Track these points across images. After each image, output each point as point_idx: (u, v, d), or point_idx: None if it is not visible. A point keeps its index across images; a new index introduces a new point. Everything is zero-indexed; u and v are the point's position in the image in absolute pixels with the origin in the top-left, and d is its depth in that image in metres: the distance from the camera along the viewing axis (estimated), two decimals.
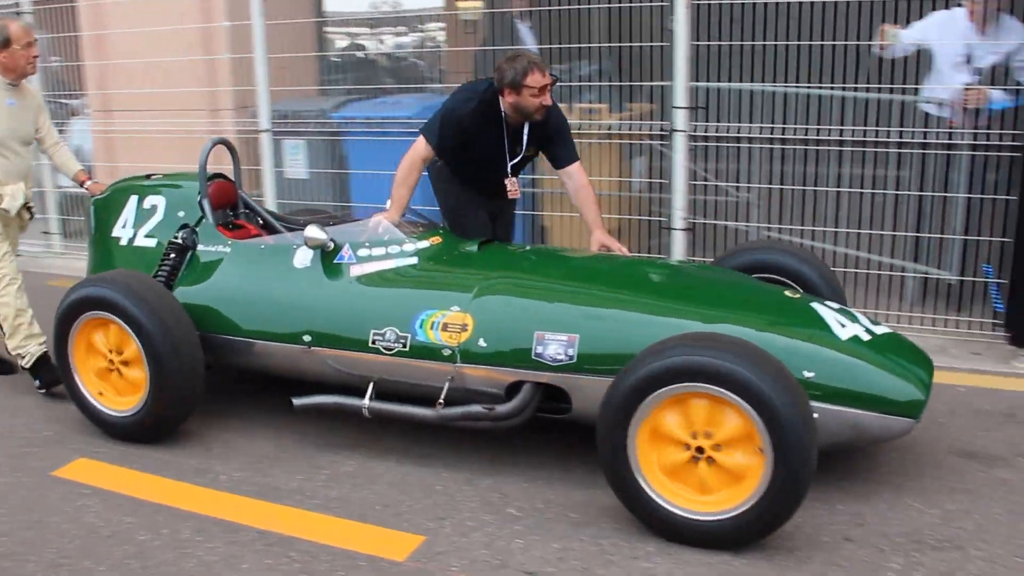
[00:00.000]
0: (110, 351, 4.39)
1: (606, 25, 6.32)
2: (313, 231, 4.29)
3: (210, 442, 4.47)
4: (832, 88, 5.73)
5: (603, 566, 3.34)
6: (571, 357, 3.76)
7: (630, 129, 6.24)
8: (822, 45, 5.71)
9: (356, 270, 4.31)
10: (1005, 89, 5.47)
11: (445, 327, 3.96)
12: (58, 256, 8.45)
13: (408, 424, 4.06)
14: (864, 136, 5.63)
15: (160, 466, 4.22)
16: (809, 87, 5.79)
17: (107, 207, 5.02)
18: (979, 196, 5.53)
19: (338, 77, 7.98)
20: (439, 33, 9.09)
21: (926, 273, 5.84)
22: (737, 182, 6.11)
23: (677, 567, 3.32)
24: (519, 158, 4.76)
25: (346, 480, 4.05)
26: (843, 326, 3.79)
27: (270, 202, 7.03)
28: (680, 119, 5.68)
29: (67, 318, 4.42)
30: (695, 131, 5.82)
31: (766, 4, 5.78)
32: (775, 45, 5.81)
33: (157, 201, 4.86)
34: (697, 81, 5.84)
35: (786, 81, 5.87)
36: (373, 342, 4.07)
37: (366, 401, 4.09)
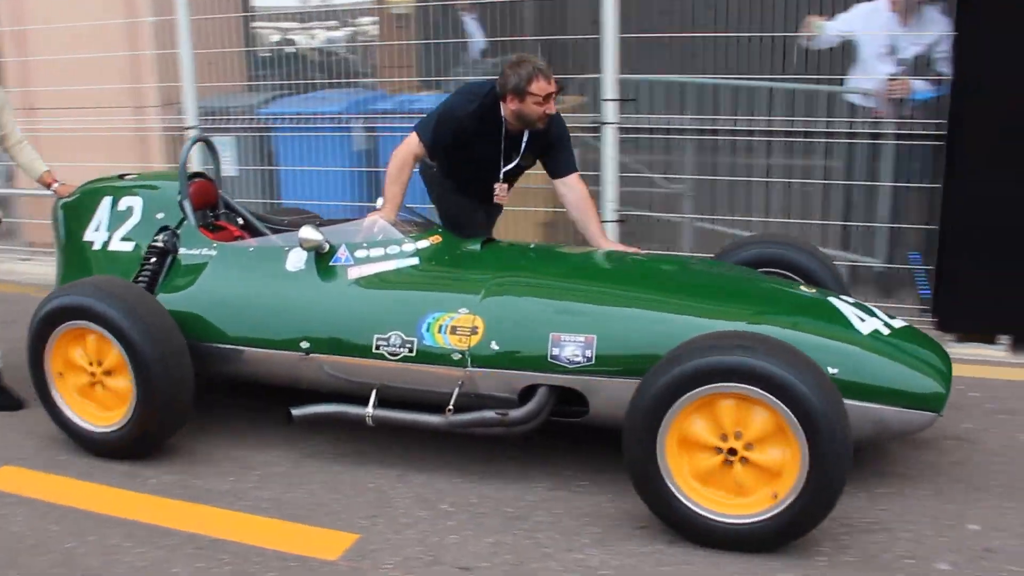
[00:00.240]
0: (90, 363, 4.13)
1: (537, 18, 6.32)
2: (308, 232, 4.08)
3: None
4: (760, 80, 5.79)
5: (537, 559, 3.34)
6: (589, 359, 3.65)
7: None
8: (750, 37, 5.77)
9: (354, 272, 4.12)
10: (927, 79, 5.56)
11: (454, 330, 3.81)
12: None
13: (340, 422, 4.00)
14: (792, 127, 5.70)
15: (88, 472, 4.12)
16: (738, 79, 5.84)
17: (77, 210, 4.76)
18: (905, 185, 5.62)
19: (267, 72, 7.87)
20: (372, 28, 9.02)
21: (855, 261, 5.92)
22: (668, 174, 6.14)
23: (611, 557, 3.33)
24: (513, 165, 4.60)
25: (278, 480, 4.00)
26: (862, 320, 3.74)
27: None
28: (610, 111, 5.69)
29: (42, 332, 4.14)
30: (625, 123, 5.82)
31: None
32: (704, 37, 5.85)
33: (133, 202, 4.61)
34: (627, 74, 5.85)
35: (715, 73, 5.92)
36: (377, 347, 3.90)
37: (369, 409, 3.89)
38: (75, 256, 4.73)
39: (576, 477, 3.93)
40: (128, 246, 4.56)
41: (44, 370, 4.21)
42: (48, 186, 5.09)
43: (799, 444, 3.14)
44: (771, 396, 3.14)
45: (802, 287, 4.10)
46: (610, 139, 5.72)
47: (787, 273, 4.41)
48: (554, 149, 4.63)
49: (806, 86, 5.78)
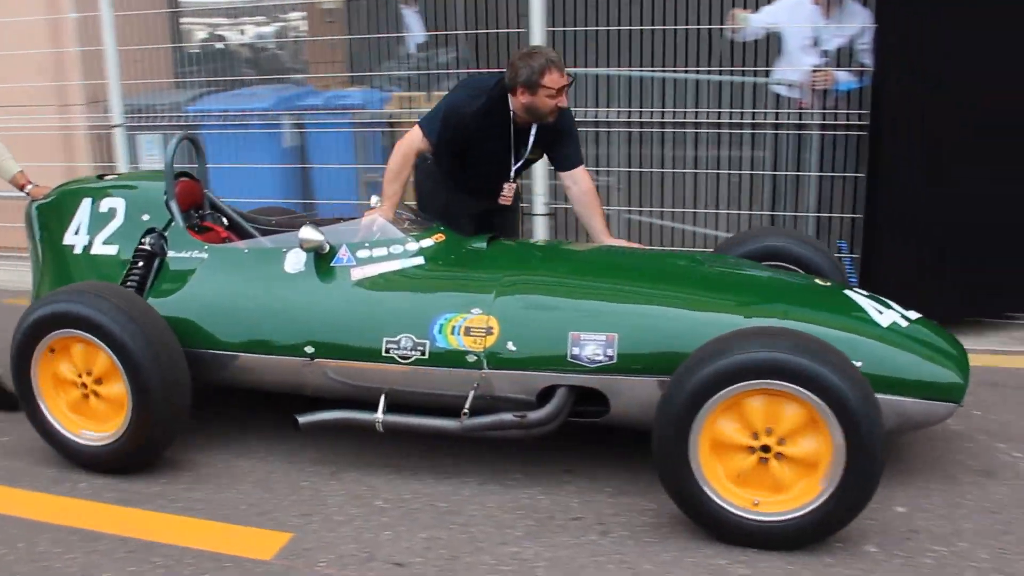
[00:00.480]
0: (79, 375, 3.96)
1: (465, 11, 6.33)
2: (309, 232, 3.92)
3: None
4: (687, 72, 5.86)
5: (471, 553, 3.35)
6: (611, 358, 3.55)
7: None
8: (675, 29, 5.83)
9: (357, 273, 3.97)
10: (850, 71, 5.67)
11: (468, 331, 3.69)
12: None
13: (273, 422, 3.98)
14: (719, 118, 5.78)
15: (15, 477, 4.05)
16: (664, 71, 5.90)
17: (55, 212, 4.50)
18: (830, 174, 5.72)
19: (195, 69, 7.77)
20: (301, 23, 8.97)
21: None
22: (597, 166, 6.18)
23: (545, 549, 3.35)
24: (522, 161, 4.47)
25: (210, 481, 3.97)
26: (880, 313, 3.70)
27: None
28: None
29: (27, 345, 3.94)
30: None
31: None
32: (630, 30, 5.90)
33: (115, 203, 4.38)
34: None
35: (642, 65, 5.97)
36: (387, 351, 3.77)
37: (379, 415, 3.76)
38: (54, 261, 4.49)
39: (508, 471, 3.94)
40: (111, 249, 4.34)
41: (33, 388, 4.01)
42: (21, 188, 4.82)
43: (833, 438, 3.12)
44: (807, 391, 3.11)
45: (817, 280, 4.06)
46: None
47: (789, 266, 4.36)
48: (561, 142, 4.49)
49: (732, 78, 5.86)
